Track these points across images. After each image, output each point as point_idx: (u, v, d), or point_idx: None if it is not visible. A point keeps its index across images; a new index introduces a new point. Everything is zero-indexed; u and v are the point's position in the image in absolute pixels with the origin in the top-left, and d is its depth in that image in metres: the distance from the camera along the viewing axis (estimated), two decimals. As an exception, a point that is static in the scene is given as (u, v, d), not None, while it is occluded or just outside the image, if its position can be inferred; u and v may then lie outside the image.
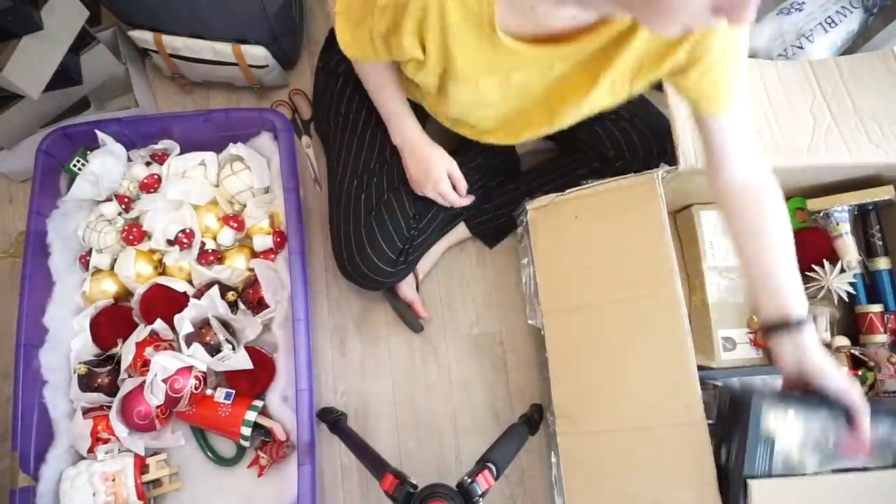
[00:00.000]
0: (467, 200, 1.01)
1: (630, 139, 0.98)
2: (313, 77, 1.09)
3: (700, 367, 0.81)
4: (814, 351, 0.67)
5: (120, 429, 0.92)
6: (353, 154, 1.01)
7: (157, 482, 0.97)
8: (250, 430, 0.94)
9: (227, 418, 0.94)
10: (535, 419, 0.95)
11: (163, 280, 1.00)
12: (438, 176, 0.96)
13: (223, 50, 1.10)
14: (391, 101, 0.91)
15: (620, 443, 0.84)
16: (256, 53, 1.11)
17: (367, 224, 0.97)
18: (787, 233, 0.72)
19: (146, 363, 0.92)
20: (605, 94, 0.75)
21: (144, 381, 0.93)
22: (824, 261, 0.99)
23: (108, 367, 0.97)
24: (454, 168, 0.97)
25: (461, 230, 1.13)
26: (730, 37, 0.66)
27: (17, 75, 0.96)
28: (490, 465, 0.72)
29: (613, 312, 0.88)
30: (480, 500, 0.68)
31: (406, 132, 0.94)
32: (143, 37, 1.10)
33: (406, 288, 1.09)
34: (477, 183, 1.07)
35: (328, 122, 1.05)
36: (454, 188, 0.98)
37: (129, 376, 0.95)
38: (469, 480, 0.69)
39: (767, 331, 0.70)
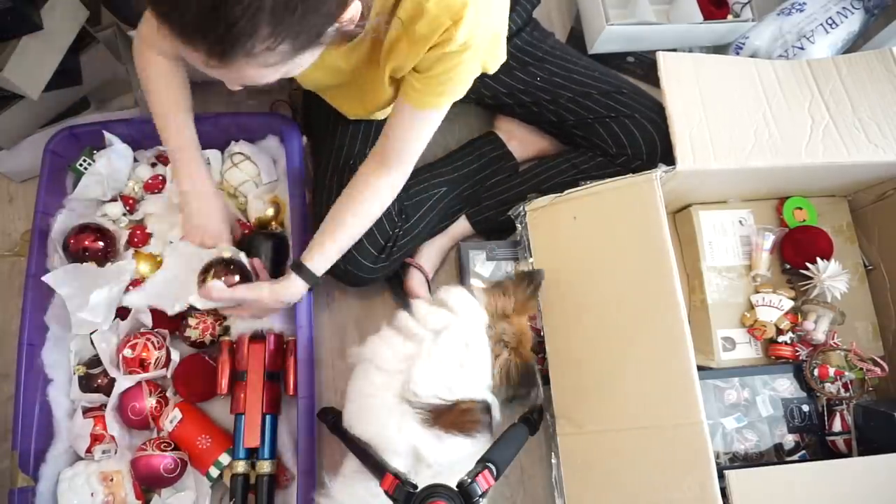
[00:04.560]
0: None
1: (631, 134, 0.98)
2: None
3: (700, 368, 0.81)
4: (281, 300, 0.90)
5: (113, 426, 0.92)
6: (335, 148, 1.01)
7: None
8: (218, 472, 0.93)
9: (203, 450, 0.93)
10: (534, 419, 0.95)
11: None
12: (217, 232, 0.95)
13: (223, 49, 1.09)
14: (184, 132, 0.91)
15: (620, 443, 0.85)
16: (256, 53, 1.11)
17: None
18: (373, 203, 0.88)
19: (134, 363, 0.93)
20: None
21: (139, 379, 0.94)
22: (818, 258, 0.99)
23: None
24: (234, 224, 0.96)
25: (465, 226, 1.13)
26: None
27: (17, 75, 0.96)
28: (490, 465, 0.72)
29: (613, 313, 0.88)
30: (480, 500, 0.68)
31: (199, 183, 0.93)
32: None
33: (418, 287, 1.08)
34: (465, 182, 1.09)
35: (313, 116, 1.06)
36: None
37: (124, 375, 0.95)
38: (469, 480, 0.68)
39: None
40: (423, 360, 0.77)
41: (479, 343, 0.81)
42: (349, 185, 0.89)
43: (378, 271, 0.99)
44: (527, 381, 0.83)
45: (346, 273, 0.98)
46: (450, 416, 0.76)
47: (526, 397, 0.84)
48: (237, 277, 0.91)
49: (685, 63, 0.94)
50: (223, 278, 0.89)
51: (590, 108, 1.00)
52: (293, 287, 0.89)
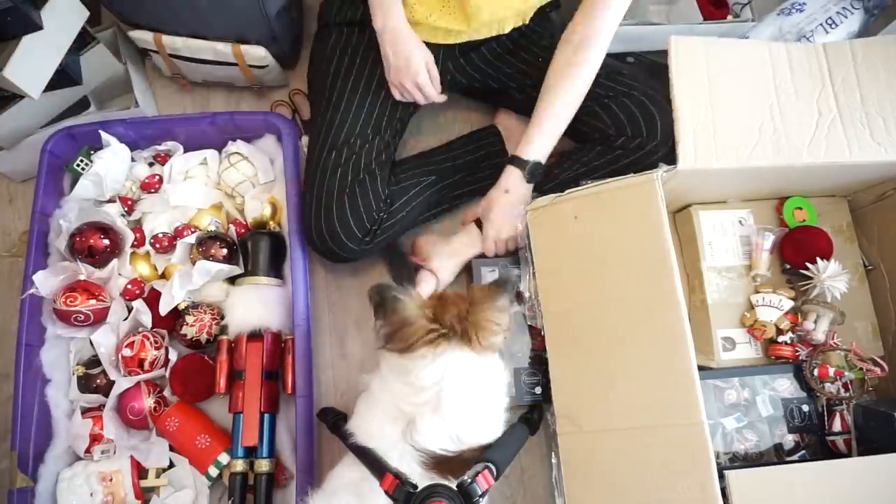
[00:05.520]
0: (441, 98, 1.03)
1: (630, 112, 0.98)
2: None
3: (700, 368, 0.80)
4: (499, 191, 0.99)
5: (109, 427, 0.92)
6: (336, 125, 1.00)
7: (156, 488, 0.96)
8: (218, 471, 0.94)
9: (202, 450, 0.93)
10: (534, 419, 0.95)
11: (158, 284, 1.00)
12: (418, 67, 0.97)
13: (223, 50, 1.10)
14: None
15: (620, 443, 0.84)
16: (256, 54, 1.11)
17: (339, 200, 0.97)
18: (568, 90, 0.95)
19: (133, 362, 0.94)
20: None
21: (137, 380, 0.95)
22: (818, 258, 0.99)
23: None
24: (432, 61, 0.99)
25: (476, 233, 1.08)
26: None
27: (17, 75, 0.96)
28: (490, 465, 0.72)
29: (613, 313, 0.88)
30: (480, 500, 0.68)
31: (391, 19, 0.94)
32: (143, 37, 1.10)
33: (429, 291, 1.07)
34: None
35: (317, 83, 1.06)
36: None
37: (123, 376, 0.95)
38: (469, 480, 0.68)
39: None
40: (429, 413, 0.73)
41: (489, 383, 0.77)
42: (547, 84, 0.97)
43: (361, 253, 1.01)
44: (502, 289, 0.78)
45: (330, 252, 0.99)
46: (450, 465, 0.73)
47: (513, 287, 0.80)
48: (225, 251, 0.98)
49: (696, 49, 0.92)
50: (212, 251, 0.97)
51: (592, 90, 1.00)
52: (510, 178, 0.98)
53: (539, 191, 1.05)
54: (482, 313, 0.75)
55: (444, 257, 1.07)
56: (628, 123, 0.98)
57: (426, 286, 1.06)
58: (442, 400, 0.72)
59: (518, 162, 0.98)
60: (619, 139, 0.99)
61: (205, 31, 1.08)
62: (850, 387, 0.97)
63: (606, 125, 1.00)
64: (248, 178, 1.06)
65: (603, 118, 1.00)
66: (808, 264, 1.00)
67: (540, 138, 0.97)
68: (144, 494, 0.93)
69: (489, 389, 0.77)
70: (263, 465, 0.92)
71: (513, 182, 0.98)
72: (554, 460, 0.93)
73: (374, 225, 1.00)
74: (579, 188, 0.93)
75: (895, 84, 0.93)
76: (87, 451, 0.93)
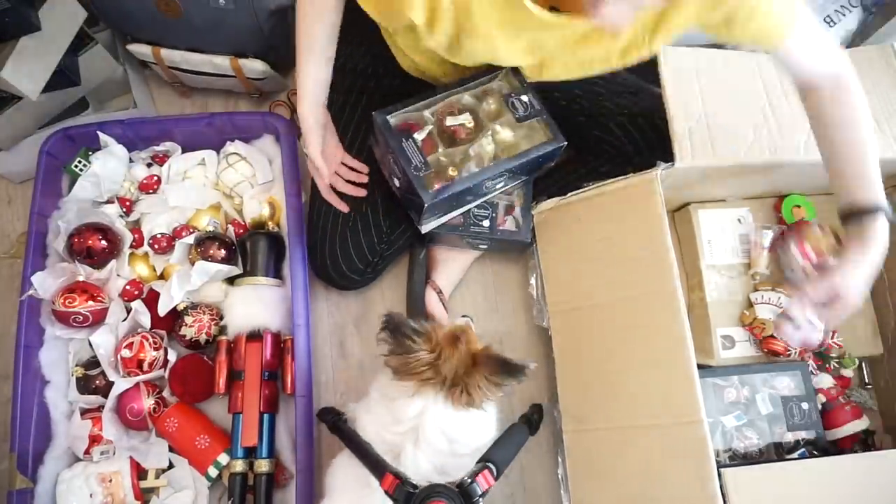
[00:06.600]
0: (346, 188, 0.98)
1: (646, 135, 0.98)
2: None
3: (700, 366, 0.81)
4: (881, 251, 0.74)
5: (108, 428, 0.92)
6: None
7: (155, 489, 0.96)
8: (217, 472, 0.93)
9: (201, 450, 0.93)
10: (535, 419, 0.95)
11: (156, 285, 1.00)
12: (330, 156, 0.95)
13: (222, 63, 1.10)
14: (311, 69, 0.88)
15: (623, 441, 0.85)
16: (255, 68, 1.11)
17: (342, 234, 1.00)
18: (865, 125, 0.77)
19: (132, 363, 0.93)
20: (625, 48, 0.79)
21: (136, 381, 0.94)
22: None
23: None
24: (315, 151, 0.90)
25: None
26: None
27: (16, 76, 0.96)
28: (490, 465, 0.72)
29: (616, 312, 0.88)
30: (480, 500, 0.68)
31: (303, 115, 0.90)
32: (142, 50, 1.11)
33: (434, 305, 1.08)
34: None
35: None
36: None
37: (122, 377, 0.95)
38: (469, 480, 0.68)
39: (843, 220, 0.77)
40: (410, 445, 0.73)
41: (466, 432, 0.75)
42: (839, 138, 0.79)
43: (363, 282, 1.07)
44: (509, 372, 0.74)
45: (331, 280, 1.04)
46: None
47: (522, 375, 0.74)
48: (223, 251, 0.98)
49: (686, 58, 0.93)
50: (211, 251, 0.97)
51: (602, 105, 1.00)
52: (885, 231, 0.74)
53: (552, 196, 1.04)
54: (480, 381, 0.74)
55: (444, 274, 1.10)
56: (644, 145, 0.98)
57: (432, 302, 1.08)
58: (419, 436, 0.72)
59: (885, 211, 0.75)
60: (635, 156, 0.99)
61: (202, 46, 1.09)
62: (849, 384, 0.97)
63: (622, 142, 1.00)
64: (247, 179, 1.06)
65: (618, 135, 1.00)
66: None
67: (877, 178, 0.77)
68: (144, 495, 0.93)
69: (467, 436, 0.76)
70: (263, 466, 0.92)
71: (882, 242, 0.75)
72: (560, 458, 0.93)
73: (375, 257, 1.02)
74: (582, 190, 0.94)
75: (882, 89, 0.94)
76: (87, 452, 0.93)
